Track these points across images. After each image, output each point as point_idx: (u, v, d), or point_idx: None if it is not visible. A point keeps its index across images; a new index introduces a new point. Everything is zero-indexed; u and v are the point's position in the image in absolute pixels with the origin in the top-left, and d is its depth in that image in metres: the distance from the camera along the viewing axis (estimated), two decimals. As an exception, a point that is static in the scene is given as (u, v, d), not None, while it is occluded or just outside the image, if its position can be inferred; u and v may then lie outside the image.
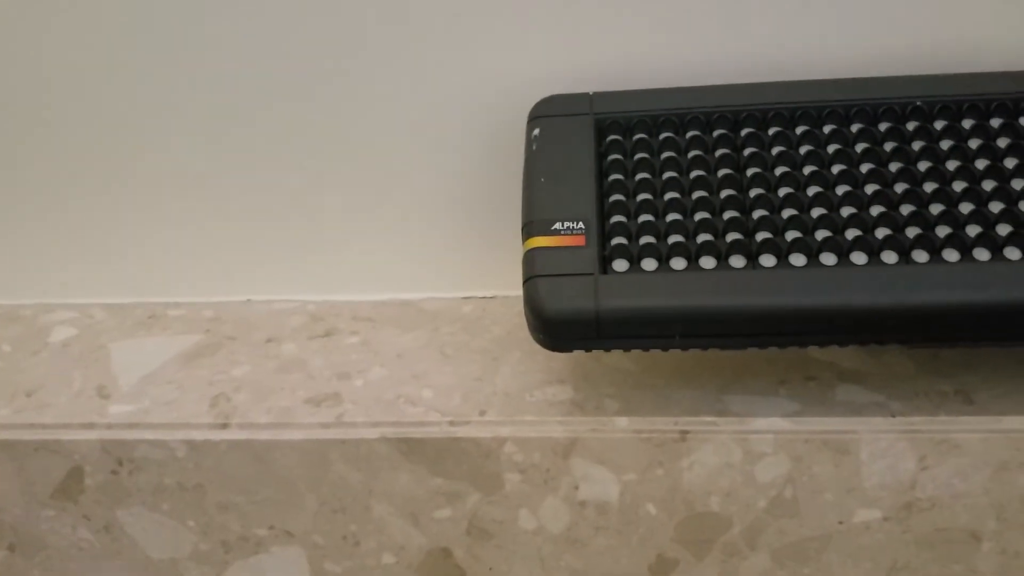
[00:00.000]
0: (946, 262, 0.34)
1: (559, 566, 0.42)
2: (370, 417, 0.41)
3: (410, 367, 0.43)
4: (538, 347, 0.42)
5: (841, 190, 0.36)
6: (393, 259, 0.47)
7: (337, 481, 0.41)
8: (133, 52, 0.42)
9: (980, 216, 0.35)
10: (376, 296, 0.47)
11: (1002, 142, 0.37)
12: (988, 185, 0.36)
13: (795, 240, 0.35)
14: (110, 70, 0.43)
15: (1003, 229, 0.35)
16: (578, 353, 0.42)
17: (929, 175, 0.36)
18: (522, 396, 0.41)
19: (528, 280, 0.35)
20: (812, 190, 0.36)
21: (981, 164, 0.36)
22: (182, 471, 0.42)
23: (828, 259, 0.34)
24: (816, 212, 0.36)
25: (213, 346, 0.45)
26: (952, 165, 0.36)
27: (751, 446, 0.39)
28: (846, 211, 0.36)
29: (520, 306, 0.37)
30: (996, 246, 0.34)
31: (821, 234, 0.35)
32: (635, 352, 0.42)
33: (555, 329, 0.35)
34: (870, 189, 0.36)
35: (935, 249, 0.34)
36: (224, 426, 0.41)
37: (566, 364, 0.42)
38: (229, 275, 0.48)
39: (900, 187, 0.36)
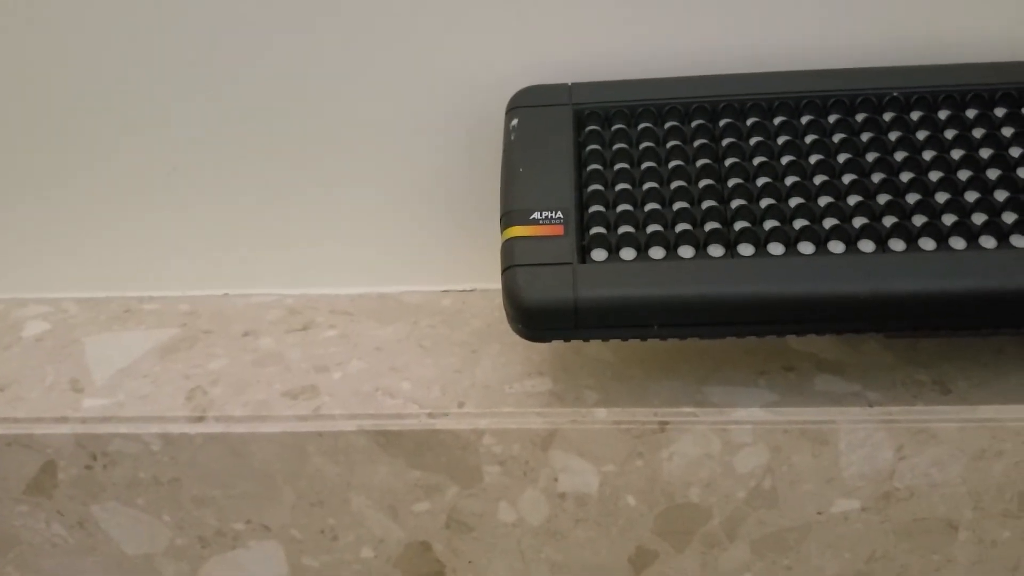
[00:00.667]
0: (923, 251, 0.34)
1: (539, 559, 0.42)
2: (348, 409, 0.40)
3: (388, 360, 0.43)
4: (517, 339, 0.42)
5: (818, 180, 0.36)
6: (372, 252, 0.46)
7: (315, 474, 0.41)
8: (108, 45, 0.42)
9: (956, 205, 0.35)
10: (354, 289, 0.47)
11: (977, 132, 0.37)
12: (964, 175, 0.36)
13: (773, 229, 0.35)
14: (82, 62, 0.42)
15: (978, 218, 0.35)
16: (557, 344, 0.42)
17: (905, 165, 0.36)
18: (501, 388, 0.41)
19: (506, 270, 0.35)
20: (790, 180, 0.36)
21: (957, 154, 0.36)
22: (157, 465, 0.41)
23: (806, 248, 0.35)
24: (794, 201, 0.36)
25: (189, 340, 0.45)
26: (928, 155, 0.37)
27: (730, 436, 0.39)
28: (823, 200, 0.36)
29: (499, 299, 0.36)
30: (972, 235, 0.34)
31: (799, 223, 0.35)
32: (614, 343, 0.42)
33: (533, 319, 0.34)
34: (847, 179, 0.36)
35: (912, 238, 0.34)
36: (200, 419, 0.41)
37: (545, 356, 0.42)
38: (206, 269, 0.47)
39: (877, 176, 0.36)
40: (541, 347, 0.42)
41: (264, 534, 0.43)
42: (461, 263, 0.46)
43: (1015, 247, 0.34)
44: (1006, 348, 0.40)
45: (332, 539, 0.42)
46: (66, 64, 0.42)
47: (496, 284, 0.37)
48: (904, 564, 0.41)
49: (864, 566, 0.41)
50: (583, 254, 0.35)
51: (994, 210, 0.35)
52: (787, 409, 0.38)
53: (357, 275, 0.47)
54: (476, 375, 0.42)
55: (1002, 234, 0.34)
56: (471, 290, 0.47)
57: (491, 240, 0.40)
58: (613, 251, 0.35)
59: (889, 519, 0.40)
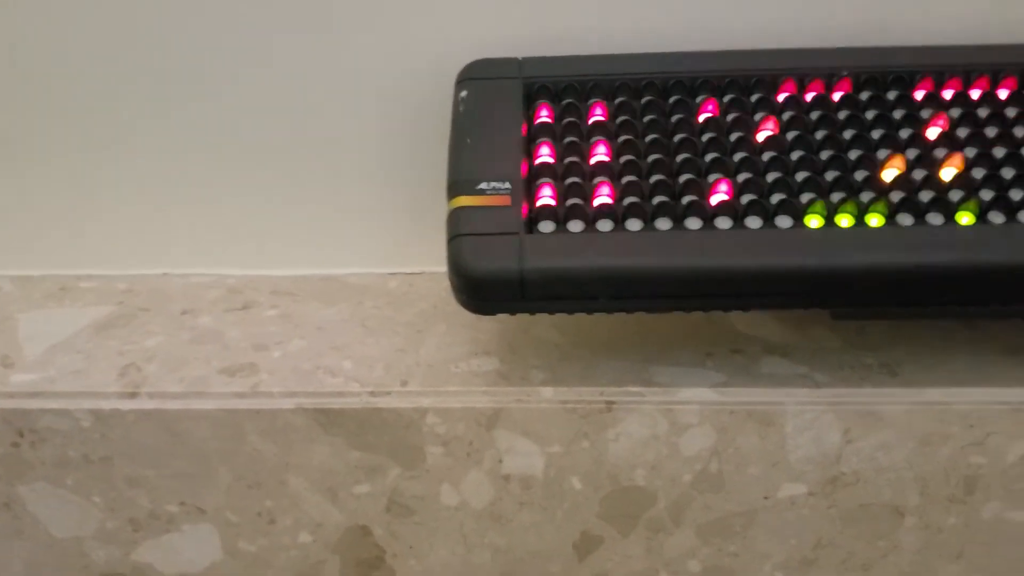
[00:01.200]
0: (868, 227, 0.34)
1: (482, 544, 0.41)
2: (287, 387, 0.39)
3: (330, 339, 0.42)
4: (464, 320, 0.42)
5: (766, 156, 0.36)
6: (316, 234, 0.45)
7: (252, 454, 0.40)
8: (44, 24, 0.41)
9: (906, 183, 0.35)
10: (298, 271, 0.46)
11: (897, 114, 0.37)
12: (911, 154, 0.36)
13: (721, 204, 0.35)
14: (15, 36, 0.41)
15: (926, 196, 0.35)
16: (504, 325, 0.42)
17: (854, 142, 0.36)
18: (446, 367, 0.40)
19: (452, 239, 0.34)
20: (737, 156, 0.36)
21: (905, 133, 0.36)
22: (88, 443, 0.40)
23: (753, 223, 0.34)
24: (741, 177, 0.35)
25: (126, 317, 0.43)
26: (876, 133, 0.37)
27: (677, 417, 0.38)
28: (771, 176, 0.35)
29: (447, 282, 0.36)
30: (919, 212, 0.34)
31: (746, 198, 0.35)
32: (562, 324, 0.41)
33: (479, 289, 0.34)
34: (795, 155, 0.36)
35: (860, 214, 0.34)
36: (133, 395, 0.39)
37: (492, 336, 0.41)
38: (145, 248, 0.46)
39: (825, 154, 0.36)
40: (488, 328, 0.42)
41: (199, 517, 0.41)
42: (408, 246, 0.46)
43: (960, 225, 0.34)
44: (954, 334, 0.40)
45: (269, 522, 0.41)
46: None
47: (444, 267, 0.36)
48: (850, 551, 0.41)
49: (810, 552, 0.41)
50: (530, 225, 0.34)
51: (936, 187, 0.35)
52: (734, 390, 0.38)
53: (301, 257, 0.46)
54: (420, 354, 0.41)
55: (947, 211, 0.34)
56: (419, 273, 0.46)
57: (440, 223, 0.39)
58: (560, 223, 0.35)
59: (836, 504, 0.40)
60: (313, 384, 0.39)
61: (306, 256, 0.46)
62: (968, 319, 0.40)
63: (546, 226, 0.34)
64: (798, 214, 0.34)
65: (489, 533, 0.41)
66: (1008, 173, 0.35)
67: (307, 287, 0.45)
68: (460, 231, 0.34)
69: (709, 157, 0.36)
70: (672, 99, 0.38)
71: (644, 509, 0.40)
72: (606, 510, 0.40)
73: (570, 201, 0.35)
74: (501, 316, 0.42)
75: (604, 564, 0.41)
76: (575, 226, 0.34)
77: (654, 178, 0.35)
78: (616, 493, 0.40)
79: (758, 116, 0.37)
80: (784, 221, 0.34)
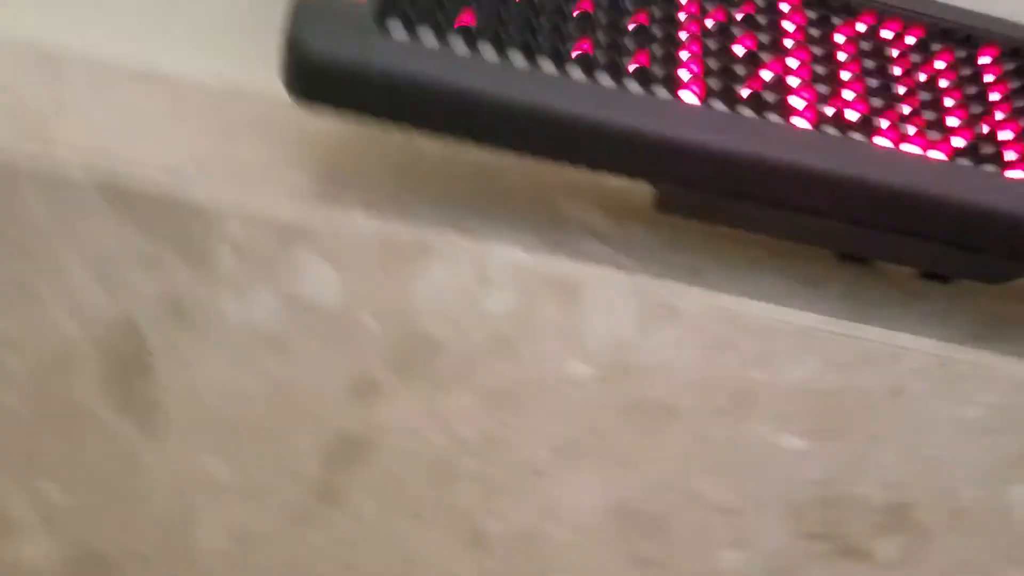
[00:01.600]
0: (713, 108, 0.34)
1: (256, 368, 0.39)
2: (82, 157, 0.36)
3: (140, 125, 0.39)
4: (288, 135, 0.40)
5: (633, 26, 0.36)
6: (149, 23, 0.42)
7: (25, 218, 0.36)
8: None
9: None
10: (123, 57, 0.42)
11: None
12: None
13: (580, 56, 0.34)
14: None
15: (771, 96, 0.36)
16: (331, 152, 0.40)
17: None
18: (257, 172, 0.38)
19: (292, 17, 0.32)
20: (604, 17, 0.36)
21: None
22: None
23: (604, 80, 0.34)
24: (601, 35, 0.35)
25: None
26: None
27: (484, 272, 0.37)
28: (630, 41, 0.35)
29: (281, 96, 0.34)
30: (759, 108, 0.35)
31: (606, 56, 0.35)
32: (393, 164, 0.40)
33: (313, 73, 0.32)
34: (661, 32, 0.36)
35: (709, 96, 0.35)
36: (-98, 120, 0.35)
37: (316, 157, 0.39)
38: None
39: (688, 34, 0.36)
40: (312, 148, 0.40)
41: (-52, 277, 0.37)
42: (250, 54, 0.43)
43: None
44: (765, 256, 0.41)
45: (32, 301, 0.38)
46: None
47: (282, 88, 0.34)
48: (618, 444, 0.41)
49: (582, 438, 0.41)
50: (381, 26, 0.33)
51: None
52: (545, 257, 0.38)
53: (129, 44, 0.42)
54: (234, 156, 0.38)
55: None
56: (260, 92, 0.43)
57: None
58: (414, 32, 0.33)
59: (615, 393, 0.40)
60: (111, 159, 0.37)
61: (136, 46, 0.43)
62: (783, 240, 0.40)
63: (398, 31, 0.33)
64: (648, 81, 0.34)
65: (267, 359, 0.39)
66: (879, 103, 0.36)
67: (129, 77, 0.42)
68: (303, 14, 0.32)
69: (577, 12, 0.36)
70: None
71: (431, 361, 0.39)
72: (392, 355, 0.39)
73: (429, 16, 0.34)
74: (328, 143, 0.40)
75: (378, 413, 0.40)
76: (429, 40, 0.33)
77: (520, 14, 0.35)
78: (407, 339, 0.39)
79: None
80: (632, 84, 0.34)
